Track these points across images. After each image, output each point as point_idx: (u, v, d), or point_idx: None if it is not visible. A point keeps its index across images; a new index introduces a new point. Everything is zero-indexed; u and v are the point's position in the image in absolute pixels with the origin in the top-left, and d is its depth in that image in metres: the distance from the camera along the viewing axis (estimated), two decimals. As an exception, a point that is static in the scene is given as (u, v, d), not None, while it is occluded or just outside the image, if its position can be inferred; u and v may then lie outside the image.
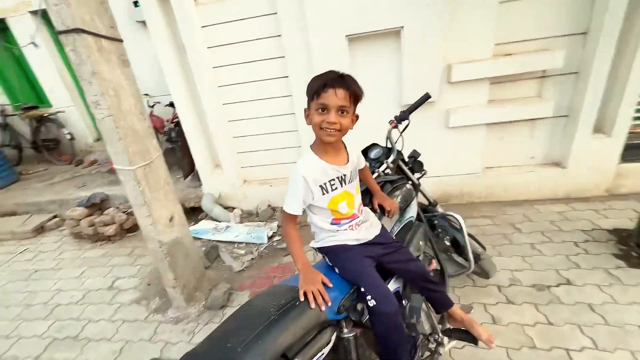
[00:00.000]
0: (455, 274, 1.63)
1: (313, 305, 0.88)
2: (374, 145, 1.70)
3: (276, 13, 2.43)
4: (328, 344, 0.89)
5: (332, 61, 2.38)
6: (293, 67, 2.55)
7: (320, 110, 0.94)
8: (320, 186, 1.01)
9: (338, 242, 1.08)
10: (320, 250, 1.12)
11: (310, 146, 1.05)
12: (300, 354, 0.82)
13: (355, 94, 0.96)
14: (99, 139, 5.29)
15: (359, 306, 0.97)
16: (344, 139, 1.06)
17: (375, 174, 1.54)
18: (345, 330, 0.97)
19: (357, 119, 1.03)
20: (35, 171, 4.95)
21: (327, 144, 1.00)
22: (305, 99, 1.00)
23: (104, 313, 2.19)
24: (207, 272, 2.40)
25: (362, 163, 1.24)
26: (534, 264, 2.07)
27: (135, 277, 2.53)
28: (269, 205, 3.09)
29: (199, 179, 3.24)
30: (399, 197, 1.36)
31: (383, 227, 1.19)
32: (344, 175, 1.05)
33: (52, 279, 2.66)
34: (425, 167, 1.72)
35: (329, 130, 0.95)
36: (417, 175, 1.68)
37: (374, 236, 1.13)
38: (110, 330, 2.03)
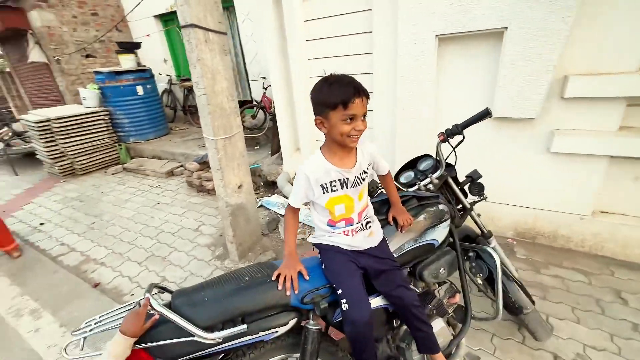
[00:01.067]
0: (482, 317, 1.42)
1: (280, 287, 0.97)
2: (426, 156, 1.60)
3: (371, 9, 2.43)
4: (284, 325, 0.97)
5: (417, 62, 2.26)
6: (378, 64, 2.53)
7: (348, 120, 0.94)
8: (322, 185, 1.05)
9: (331, 243, 1.12)
10: (316, 245, 1.17)
11: (321, 147, 1.08)
12: (255, 322, 0.94)
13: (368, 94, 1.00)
14: (224, 110, 6.41)
15: (323, 303, 1.00)
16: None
17: (415, 187, 1.47)
18: (311, 322, 1.03)
19: None
20: (180, 129, 6.42)
21: (338, 147, 1.03)
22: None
23: (185, 247, 2.79)
24: (264, 238, 2.74)
25: (383, 169, 1.22)
26: (626, 351, 1.58)
27: (215, 227, 3.09)
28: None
29: (282, 158, 3.62)
30: (423, 216, 1.27)
31: (384, 241, 1.16)
32: (347, 178, 1.05)
33: (165, 211, 3.51)
34: (486, 192, 1.52)
35: (355, 137, 0.98)
36: (474, 198, 1.50)
37: (369, 246, 1.12)
38: (184, 261, 2.59)
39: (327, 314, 1.08)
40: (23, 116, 4.96)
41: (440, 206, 1.33)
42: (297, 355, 1.03)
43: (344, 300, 1.00)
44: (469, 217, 1.57)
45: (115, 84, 5.07)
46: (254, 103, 5.29)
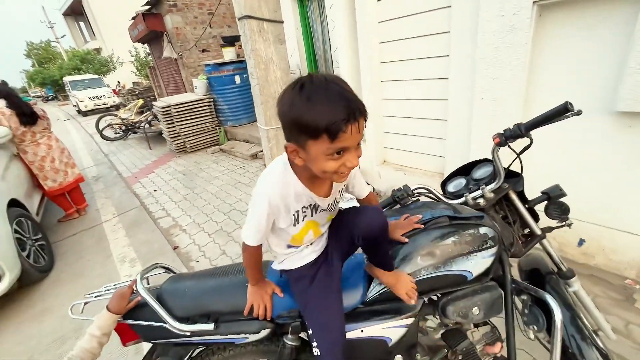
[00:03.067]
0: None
1: (255, 315, 0.90)
2: (487, 161, 1.27)
3: (451, -22, 2.03)
4: (256, 334, 0.92)
5: (504, 39, 1.79)
6: (456, 44, 2.12)
7: (335, 155, 0.65)
8: (293, 215, 0.80)
9: (296, 265, 0.92)
10: (284, 272, 0.97)
11: (290, 162, 0.76)
12: (226, 323, 0.92)
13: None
14: (310, 97, 6.61)
15: (296, 324, 0.90)
16: None
17: (462, 199, 1.19)
18: (288, 337, 0.95)
19: None
20: (270, 115, 6.94)
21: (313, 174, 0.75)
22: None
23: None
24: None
25: (360, 191, 0.99)
26: None
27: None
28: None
29: (348, 149, 3.51)
30: (452, 239, 1.01)
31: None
32: (317, 204, 0.83)
33: (242, 191, 3.88)
34: (570, 216, 1.13)
35: (344, 174, 0.70)
36: (552, 223, 1.13)
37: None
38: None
39: (309, 333, 0.98)
40: (155, 103, 6.19)
41: (482, 230, 1.03)
42: (272, 364, 0.98)
43: (314, 344, 0.87)
44: (540, 247, 1.19)
45: (219, 74, 5.78)
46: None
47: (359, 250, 1.01)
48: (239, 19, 1.90)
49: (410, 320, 1.00)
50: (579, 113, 1.00)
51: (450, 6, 2.09)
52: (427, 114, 2.61)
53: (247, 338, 0.93)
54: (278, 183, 0.75)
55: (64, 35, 28.96)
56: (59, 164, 3.50)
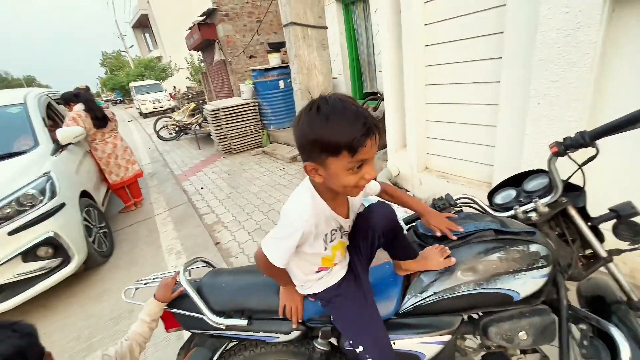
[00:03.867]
0: None
1: (294, 325, 0.93)
2: (541, 172, 1.17)
3: (507, -26, 1.90)
4: (286, 334, 0.94)
5: (568, 38, 1.63)
6: (510, 44, 1.97)
7: (355, 169, 0.70)
8: (323, 239, 0.83)
9: (326, 286, 0.92)
10: (315, 296, 0.96)
11: (313, 185, 0.80)
12: (259, 321, 0.95)
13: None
14: (351, 101, 6.59)
15: (326, 329, 0.90)
16: None
17: (510, 212, 1.11)
18: (319, 341, 0.95)
19: None
20: (311, 118, 7.05)
21: (334, 193, 0.79)
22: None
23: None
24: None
25: (375, 189, 1.00)
26: None
27: (313, 213, 3.29)
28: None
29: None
30: (498, 255, 0.93)
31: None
32: (342, 227, 0.87)
33: (280, 192, 3.99)
34: None
35: (363, 185, 0.75)
36: (622, 245, 1.01)
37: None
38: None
39: (340, 337, 0.98)
40: (205, 106, 6.63)
41: (533, 247, 0.94)
42: (301, 367, 0.99)
43: (360, 349, 0.88)
44: (605, 271, 1.06)
45: (264, 79, 6.02)
46: (378, 95, 5.19)
47: (384, 258, 0.99)
48: (284, 26, 1.97)
49: (446, 338, 0.94)
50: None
51: (504, 5, 1.96)
52: (475, 120, 2.46)
53: (278, 337, 0.95)
54: (312, 212, 0.76)
55: (132, 45, 32.33)
56: (122, 161, 3.90)
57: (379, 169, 3.42)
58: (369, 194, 1.01)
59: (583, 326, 0.98)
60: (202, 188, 4.60)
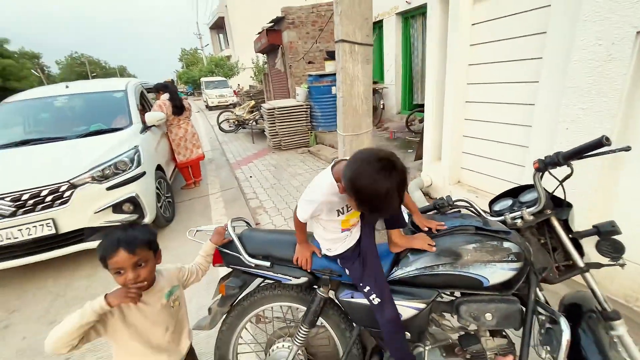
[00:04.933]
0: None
1: (308, 268, 1.25)
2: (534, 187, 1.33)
3: (550, 5, 2.00)
4: (297, 279, 1.25)
5: (599, 69, 1.71)
6: (547, 70, 2.06)
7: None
8: (338, 210, 1.11)
9: (347, 247, 1.20)
10: (337, 256, 1.22)
11: (333, 172, 1.03)
12: (279, 265, 1.28)
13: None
14: (399, 112, 6.72)
15: (325, 277, 1.19)
16: None
17: (501, 217, 1.29)
18: (320, 289, 1.24)
19: None
20: (358, 124, 7.32)
21: None
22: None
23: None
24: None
25: None
26: None
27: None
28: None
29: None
30: (474, 245, 1.13)
31: None
32: None
33: (318, 189, 4.32)
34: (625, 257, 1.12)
35: None
36: (604, 260, 1.15)
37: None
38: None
39: (337, 289, 1.26)
40: (263, 105, 7.28)
41: (506, 244, 1.13)
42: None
43: (373, 296, 1.14)
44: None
45: (318, 84, 6.45)
46: (425, 107, 5.28)
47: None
48: (335, 42, 2.29)
49: (422, 305, 1.17)
50: (627, 149, 1.02)
51: (545, 32, 2.06)
52: (509, 139, 2.54)
53: (290, 280, 1.26)
54: (328, 192, 1.04)
55: (207, 44, 35.71)
56: (189, 144, 4.59)
57: (412, 177, 3.58)
58: None
59: (542, 317, 1.13)
60: (250, 177, 5.14)
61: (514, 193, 1.38)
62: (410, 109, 6.17)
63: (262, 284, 1.38)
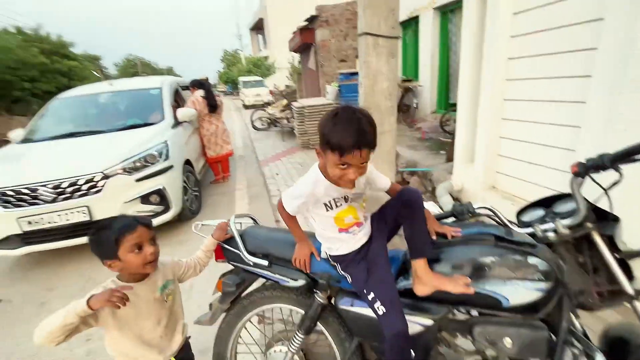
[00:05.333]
0: None
1: (308, 270, 1.17)
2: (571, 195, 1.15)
3: (607, -14, 1.73)
4: (295, 281, 1.18)
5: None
6: (602, 63, 1.79)
7: (340, 165, 0.90)
8: (325, 204, 1.05)
9: (350, 250, 1.11)
10: (336, 258, 1.14)
11: (319, 165, 1.04)
12: (277, 265, 1.22)
13: (375, 144, 0.92)
14: (434, 111, 6.40)
15: (323, 281, 1.10)
16: None
17: (529, 229, 1.12)
18: (319, 294, 1.16)
19: None
20: (389, 124, 7.09)
21: None
22: None
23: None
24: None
25: (382, 185, 1.16)
26: None
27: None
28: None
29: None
30: (492, 259, 0.98)
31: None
32: (347, 195, 1.06)
33: (342, 188, 4.22)
34: None
35: (346, 182, 0.96)
36: None
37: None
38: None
39: (336, 296, 1.17)
40: (293, 103, 7.32)
41: (532, 260, 0.97)
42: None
43: (377, 304, 1.02)
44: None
45: (349, 82, 6.34)
46: (461, 107, 4.95)
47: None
48: (358, 35, 2.19)
49: (428, 322, 1.05)
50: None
51: (602, 19, 1.79)
52: (553, 141, 2.26)
53: (288, 282, 1.19)
54: (311, 183, 1.03)
55: (247, 45, 36.98)
56: (219, 140, 4.72)
57: (443, 181, 3.35)
58: (381, 188, 1.17)
59: (576, 350, 0.95)
60: (277, 174, 5.17)
61: (547, 202, 1.19)
62: (446, 108, 5.83)
63: (263, 284, 1.33)
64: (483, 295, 0.99)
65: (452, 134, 4.82)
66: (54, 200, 2.65)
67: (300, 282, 1.18)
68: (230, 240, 1.34)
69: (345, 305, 1.14)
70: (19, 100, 18.49)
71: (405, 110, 6.88)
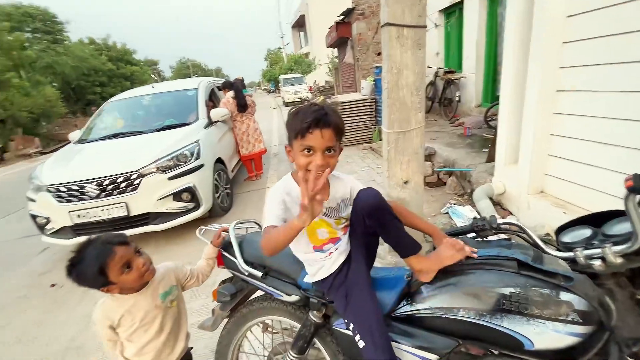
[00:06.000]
0: None
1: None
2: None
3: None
4: (288, 295, 1.10)
5: None
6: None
7: (305, 151, 0.86)
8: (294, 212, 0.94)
9: (328, 273, 1.01)
10: (314, 285, 1.06)
11: (292, 172, 1.01)
12: (271, 277, 1.15)
13: (340, 129, 0.90)
14: (479, 105, 5.86)
15: (315, 300, 1.00)
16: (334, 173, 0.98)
17: (569, 254, 0.92)
18: (313, 312, 1.07)
19: (340, 152, 0.92)
20: (428, 120, 6.65)
21: None
22: None
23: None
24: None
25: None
26: None
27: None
28: (547, 235, 2.31)
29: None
30: (513, 290, 0.81)
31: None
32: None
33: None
34: None
35: (314, 172, 0.82)
36: None
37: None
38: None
39: (332, 316, 1.07)
40: (328, 99, 7.23)
41: (565, 295, 0.78)
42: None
43: (357, 337, 0.93)
44: None
45: (385, 76, 6.06)
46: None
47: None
48: (381, 26, 2.02)
49: (432, 357, 0.90)
50: None
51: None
52: (619, 139, 1.89)
53: (282, 296, 1.12)
54: (280, 187, 0.99)
55: (288, 43, 37.56)
56: (251, 138, 4.82)
57: (483, 183, 3.03)
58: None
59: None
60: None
61: (597, 220, 0.96)
62: (492, 101, 5.29)
63: (260, 296, 1.28)
64: (500, 333, 0.82)
65: (496, 130, 4.36)
66: (97, 197, 2.89)
67: (294, 298, 1.10)
68: (231, 246, 1.30)
69: (341, 327, 1.04)
70: (91, 103, 21.00)
71: (447, 104, 6.41)
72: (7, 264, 3.42)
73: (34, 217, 3.08)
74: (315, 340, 1.15)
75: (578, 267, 0.86)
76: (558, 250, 0.96)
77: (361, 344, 0.90)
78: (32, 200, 3.06)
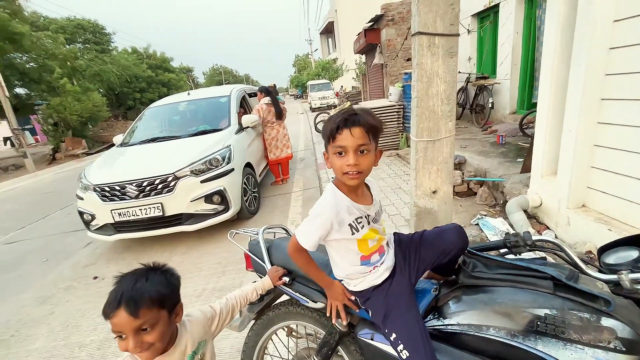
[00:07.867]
0: None
1: (334, 321, 1.06)
2: None
3: None
4: (314, 302, 1.12)
5: None
6: None
7: (338, 154, 0.88)
8: (350, 225, 0.94)
9: (371, 285, 1.01)
10: (357, 293, 1.05)
11: (333, 182, 1.00)
12: (298, 283, 1.18)
13: (373, 128, 0.89)
14: (513, 112, 5.60)
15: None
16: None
17: (614, 276, 0.88)
18: (338, 320, 1.08)
19: (380, 155, 0.93)
20: (459, 127, 6.44)
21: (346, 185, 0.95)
22: None
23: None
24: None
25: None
26: None
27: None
28: (589, 253, 2.16)
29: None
30: (544, 311, 0.78)
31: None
32: (369, 215, 0.98)
33: (397, 196, 3.99)
34: None
35: (351, 174, 0.88)
36: None
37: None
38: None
39: (357, 325, 1.08)
40: (355, 106, 7.23)
41: (607, 321, 0.74)
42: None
43: (400, 347, 0.91)
44: None
45: (414, 82, 5.97)
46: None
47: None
48: (412, 35, 2.01)
49: (461, 374, 0.88)
50: None
51: None
52: (673, 153, 1.74)
53: (308, 302, 1.14)
54: (331, 202, 0.94)
55: (317, 49, 38.06)
56: (280, 144, 4.93)
57: (517, 195, 2.89)
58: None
59: None
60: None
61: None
62: (528, 108, 5.04)
63: (287, 300, 1.31)
64: (533, 356, 0.79)
65: (533, 139, 4.15)
66: (136, 197, 3.09)
67: (320, 305, 1.12)
68: (259, 251, 1.35)
69: (366, 337, 1.04)
70: (131, 108, 22.51)
71: (479, 111, 6.19)
72: (56, 256, 3.74)
73: (81, 213, 3.35)
74: (340, 348, 1.16)
75: (623, 292, 0.81)
76: (600, 271, 0.91)
77: (404, 354, 0.89)
78: (81, 198, 3.34)
